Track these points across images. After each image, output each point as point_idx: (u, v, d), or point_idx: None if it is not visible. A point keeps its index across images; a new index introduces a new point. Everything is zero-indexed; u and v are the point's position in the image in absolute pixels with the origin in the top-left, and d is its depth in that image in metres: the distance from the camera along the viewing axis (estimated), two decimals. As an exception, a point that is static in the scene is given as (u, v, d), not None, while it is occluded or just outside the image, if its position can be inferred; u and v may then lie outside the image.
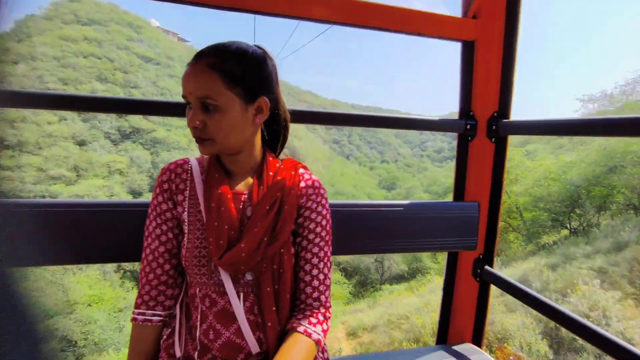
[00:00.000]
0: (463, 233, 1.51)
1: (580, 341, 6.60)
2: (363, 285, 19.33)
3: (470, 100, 1.49)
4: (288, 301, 0.86)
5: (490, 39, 1.44)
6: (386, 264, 19.30)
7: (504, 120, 1.44)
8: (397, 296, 12.89)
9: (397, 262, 18.88)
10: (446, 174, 43.95)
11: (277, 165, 0.91)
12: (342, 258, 21.31)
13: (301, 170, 0.93)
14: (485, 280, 1.56)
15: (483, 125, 1.49)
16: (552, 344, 6.90)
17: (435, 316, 8.39)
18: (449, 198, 1.73)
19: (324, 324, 0.86)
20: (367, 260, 19.60)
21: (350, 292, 16.05)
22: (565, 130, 1.25)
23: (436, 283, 12.78)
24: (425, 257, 21.31)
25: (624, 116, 0.98)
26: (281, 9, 1.20)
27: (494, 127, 1.46)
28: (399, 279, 18.07)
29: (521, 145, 28.44)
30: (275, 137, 0.96)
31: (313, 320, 0.84)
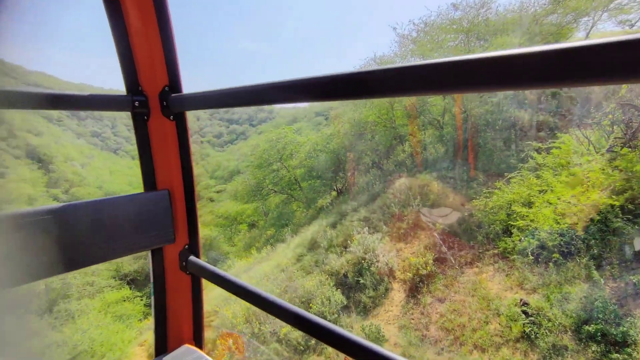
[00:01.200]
0: (159, 226, 1.35)
1: (362, 281, 7.83)
2: (160, 292, 17.27)
3: (136, 73, 1.29)
4: None
5: None
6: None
7: (174, 95, 1.28)
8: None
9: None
10: (229, 157, 44.62)
11: None
12: (129, 268, 18.35)
13: None
14: (194, 273, 1.48)
15: (155, 101, 1.30)
16: (344, 291, 7.91)
17: (246, 302, 8.17)
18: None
19: None
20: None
21: (145, 305, 13.92)
22: (240, 101, 1.11)
23: (237, 267, 12.69)
24: (222, 242, 21.00)
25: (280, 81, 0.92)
26: None
27: (165, 102, 1.30)
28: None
29: (289, 123, 31.83)
30: None
31: None
